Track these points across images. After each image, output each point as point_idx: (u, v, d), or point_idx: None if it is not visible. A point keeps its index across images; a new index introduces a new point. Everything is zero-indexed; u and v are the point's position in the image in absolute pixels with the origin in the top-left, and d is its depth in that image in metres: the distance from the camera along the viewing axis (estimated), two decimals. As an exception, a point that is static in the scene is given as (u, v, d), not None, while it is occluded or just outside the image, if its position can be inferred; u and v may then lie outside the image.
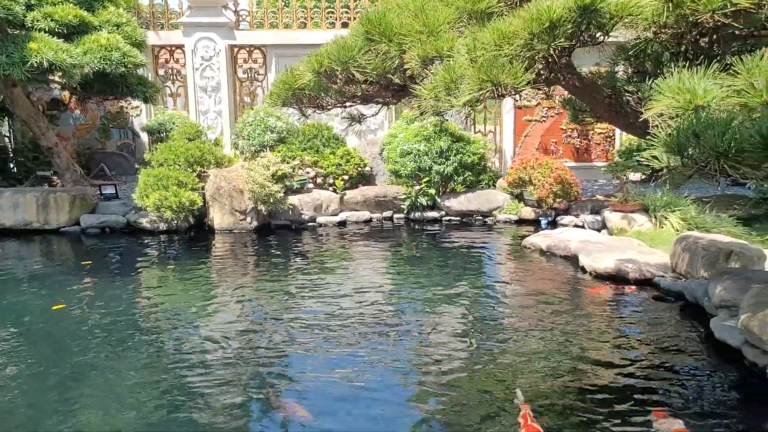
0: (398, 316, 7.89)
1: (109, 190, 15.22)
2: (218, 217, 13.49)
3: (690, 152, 3.55)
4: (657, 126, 3.97)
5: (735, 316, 6.58)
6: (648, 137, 4.01)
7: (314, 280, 9.70)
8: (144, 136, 18.30)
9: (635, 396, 5.57)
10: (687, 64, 4.33)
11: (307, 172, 14.79)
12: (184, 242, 12.81)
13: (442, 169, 14.56)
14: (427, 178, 14.63)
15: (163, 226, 13.17)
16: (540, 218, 14.35)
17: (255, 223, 13.61)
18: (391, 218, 15.01)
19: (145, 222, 13.42)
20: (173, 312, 8.11)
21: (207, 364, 6.32)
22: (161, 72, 18.28)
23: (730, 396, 5.74)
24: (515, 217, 14.65)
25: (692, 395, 5.62)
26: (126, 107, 18.63)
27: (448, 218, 14.93)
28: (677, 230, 11.38)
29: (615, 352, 6.68)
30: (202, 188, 13.58)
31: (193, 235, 13.36)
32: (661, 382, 5.90)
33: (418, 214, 14.90)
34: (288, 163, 14.43)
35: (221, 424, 5.11)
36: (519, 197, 15.00)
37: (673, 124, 3.82)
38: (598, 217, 13.29)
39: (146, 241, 12.84)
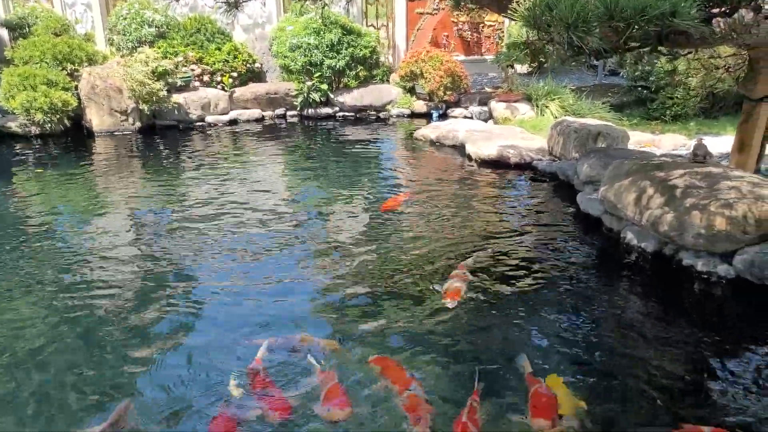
0: (297, 211, 7.94)
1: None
2: (96, 119, 12.67)
3: (545, 24, 3.73)
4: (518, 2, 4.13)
5: (598, 190, 7.21)
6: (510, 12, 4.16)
7: (205, 181, 9.49)
8: (3, 32, 16.45)
9: (519, 261, 6.08)
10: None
11: (192, 69, 14.04)
12: (61, 146, 12.01)
13: (333, 64, 14.29)
14: (318, 73, 14.34)
15: (35, 130, 12.23)
16: (431, 111, 14.61)
17: (138, 124, 12.93)
18: (284, 116, 14.74)
19: (14, 126, 12.37)
20: (55, 221, 7.72)
21: (95, 276, 6.08)
22: (16, -42, 16.24)
23: (590, 255, 6.41)
24: (408, 111, 14.82)
25: (560, 256, 6.21)
26: (-22, 0, 16.55)
27: (342, 114, 14.86)
28: (556, 117, 12.02)
29: (497, 228, 7.17)
30: (76, 88, 12.62)
31: (71, 138, 12.52)
32: (537, 249, 6.46)
33: (311, 111, 14.71)
34: (170, 59, 13.61)
35: (113, 341, 4.91)
36: (411, 91, 15.11)
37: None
38: (486, 108, 13.74)
39: (18, 147, 11.90)
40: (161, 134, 13.12)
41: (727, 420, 3.67)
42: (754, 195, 5.43)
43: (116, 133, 12.76)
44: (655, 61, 11.64)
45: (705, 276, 5.48)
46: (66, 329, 4.87)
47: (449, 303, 5.09)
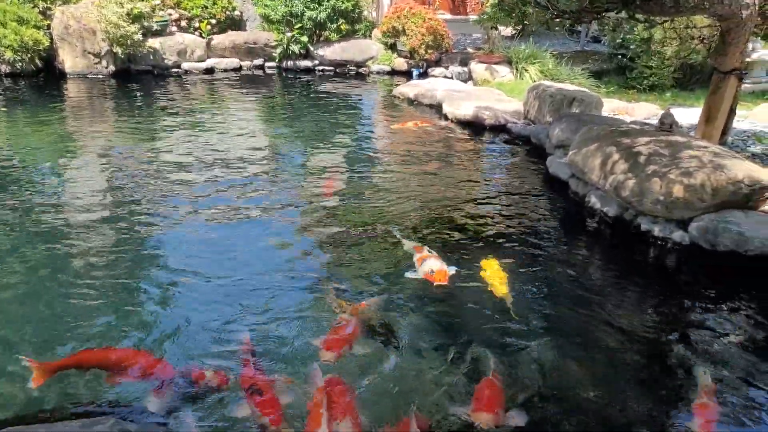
0: (270, 163, 7.94)
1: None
2: (69, 60, 12.39)
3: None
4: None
5: (568, 154, 7.32)
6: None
7: (180, 129, 9.40)
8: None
9: (484, 220, 6.21)
10: None
11: (169, 14, 13.73)
12: (32, 87, 11.76)
13: (314, 15, 14.07)
14: (299, 25, 14.12)
15: (5, 69, 11.93)
16: (412, 69, 14.52)
17: (112, 68, 12.68)
18: (262, 67, 14.54)
19: (-17, 64, 12.06)
20: (23, 162, 7.64)
21: (68, 223, 6.05)
22: None
23: (554, 217, 6.56)
24: (388, 68, 14.72)
25: (525, 218, 6.34)
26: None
27: (321, 68, 14.71)
28: (534, 81, 12.06)
29: (467, 188, 7.28)
30: (48, 27, 12.28)
31: (43, 79, 12.26)
32: (503, 210, 6.59)
33: (290, 63, 14.53)
34: (146, 2, 13.26)
35: (77, 285, 4.93)
36: (393, 48, 14.97)
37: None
38: (466, 69, 13.70)
39: (-13, 85, 11.65)
40: (135, 79, 12.89)
41: (670, 370, 3.88)
42: (714, 165, 5.58)
43: (89, 76, 12.51)
44: (634, 29, 11.67)
45: (661, 241, 5.66)
46: (29, 272, 4.90)
47: (442, 284, 4.69)
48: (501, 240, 5.79)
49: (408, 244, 5.38)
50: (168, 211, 6.19)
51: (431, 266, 4.84)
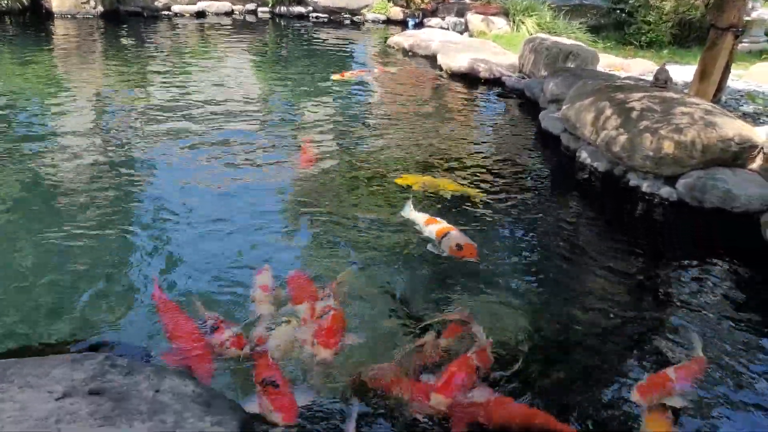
0: (261, 110, 7.86)
1: None
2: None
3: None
4: None
5: (561, 108, 7.30)
6: None
7: (169, 73, 9.25)
8: None
9: (475, 173, 6.22)
10: None
11: (159, -46, 13.31)
12: (19, 26, 11.48)
13: (309, -40, 13.70)
14: (293, -31, 13.77)
15: (-10, 7, 11.62)
16: (408, 19, 14.27)
17: (101, 8, 12.36)
18: (254, 12, 14.23)
19: (-34, 1, 11.72)
20: (11, 104, 7.51)
21: (55, 164, 5.97)
22: None
23: (545, 172, 6.59)
24: (383, 17, 14.45)
25: (516, 172, 6.36)
26: None
27: (315, 15, 14.42)
28: (531, 34, 11.89)
29: (459, 141, 7.27)
30: (34, -36, 11.92)
31: (29, 18, 11.95)
32: (494, 163, 6.60)
33: (283, 9, 14.22)
34: (135, -60, 12.85)
35: (67, 231, 4.96)
36: (389, -5, 14.68)
37: None
38: (462, 20, 13.47)
39: (-29, 24, 11.35)
40: (124, 21, 12.60)
41: (650, 324, 3.98)
42: (705, 122, 5.59)
43: (77, 16, 12.20)
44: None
45: (649, 197, 5.71)
46: (15, 215, 4.89)
47: (473, 260, 4.38)
48: (490, 193, 5.82)
49: (419, 217, 4.91)
50: (155, 155, 6.16)
51: (457, 240, 4.46)
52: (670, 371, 3.30)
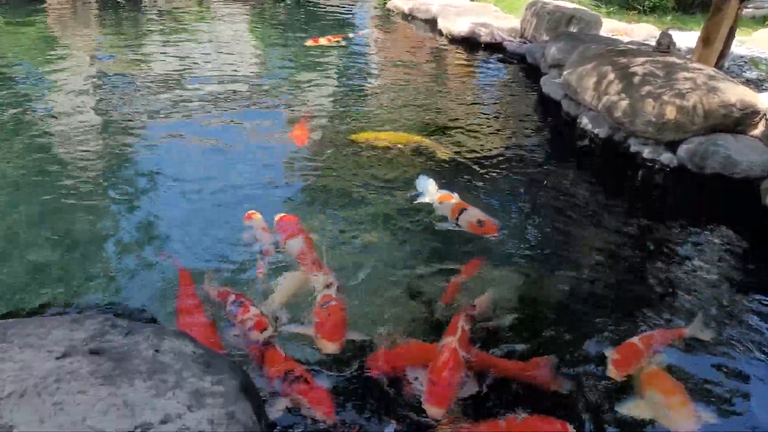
0: (261, 74, 7.76)
1: None
2: (48, -40, 11.78)
3: None
4: None
5: (563, 74, 7.21)
6: None
7: (168, 35, 9.10)
8: None
9: (475, 139, 6.18)
10: None
11: None
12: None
13: None
14: (290, -70, 13.43)
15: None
16: (407, -18, 13.97)
17: (94, -30, 12.10)
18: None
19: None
20: (7, 67, 7.40)
21: (54, 130, 5.92)
22: None
23: (545, 137, 6.56)
24: (383, -20, 14.16)
25: (516, 137, 6.33)
26: None
27: (314, -22, 14.12)
28: (534, -2, 11.68)
29: (459, 106, 7.20)
30: None
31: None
32: (494, 129, 6.55)
33: (281, -28, 13.92)
34: None
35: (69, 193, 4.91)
36: (388, -42, 14.35)
37: None
38: (464, -17, 13.21)
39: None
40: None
41: (649, 288, 4.00)
42: (708, 87, 5.53)
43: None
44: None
45: (649, 163, 5.68)
46: (11, 180, 4.86)
47: (494, 236, 4.29)
48: (489, 158, 5.79)
49: (432, 193, 4.78)
50: (151, 117, 6.11)
51: (477, 216, 4.37)
52: (635, 339, 3.27)
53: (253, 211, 4.25)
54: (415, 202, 4.72)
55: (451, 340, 3.04)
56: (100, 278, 3.58)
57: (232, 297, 3.34)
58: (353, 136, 5.77)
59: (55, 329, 2.49)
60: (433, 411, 2.77)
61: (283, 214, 4.25)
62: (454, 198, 4.62)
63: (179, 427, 2.16)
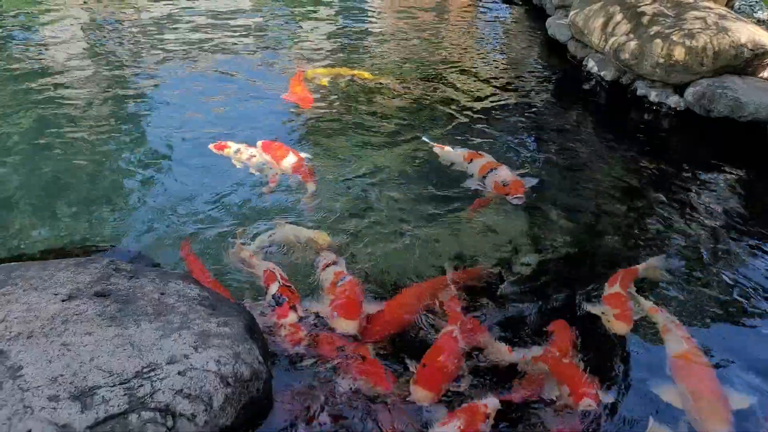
0: (259, 22, 7.55)
1: None
2: None
3: None
4: None
5: (569, 15, 7.01)
6: None
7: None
8: None
9: (481, 80, 6.06)
10: None
11: None
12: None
13: None
14: None
15: None
16: None
17: None
18: None
19: None
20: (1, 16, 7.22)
21: (54, 79, 5.74)
22: None
23: (550, 80, 6.41)
24: None
25: (521, 79, 6.19)
26: None
27: None
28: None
29: (464, 49, 7.04)
30: None
31: None
32: (500, 71, 6.41)
33: None
34: None
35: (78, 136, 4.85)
36: None
37: None
38: None
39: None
40: None
41: (650, 227, 3.99)
42: (719, 27, 5.38)
43: None
44: None
45: (656, 106, 5.59)
46: (14, 128, 4.80)
47: (519, 198, 4.02)
48: (494, 102, 5.69)
49: (454, 152, 4.51)
50: (153, 67, 5.99)
51: (504, 177, 4.10)
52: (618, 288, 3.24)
53: (224, 142, 4.36)
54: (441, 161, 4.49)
55: (452, 328, 2.86)
56: (100, 225, 3.58)
57: (276, 287, 2.99)
58: (308, 73, 5.71)
59: (59, 272, 2.50)
60: (420, 394, 2.56)
61: (264, 140, 4.39)
62: (485, 157, 4.34)
63: (186, 367, 2.19)
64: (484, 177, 4.17)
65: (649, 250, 3.73)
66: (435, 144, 4.63)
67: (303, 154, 4.30)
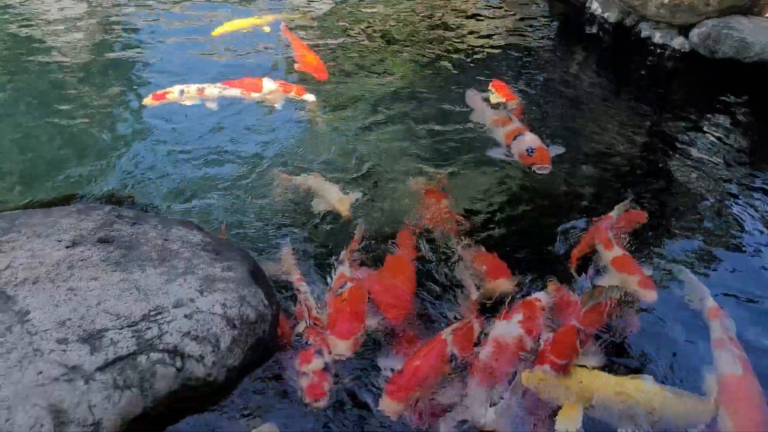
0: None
1: None
2: None
3: None
4: None
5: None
6: None
7: None
8: None
9: (481, 25, 5.94)
10: None
11: None
12: None
13: None
14: None
15: None
16: None
17: None
18: None
19: None
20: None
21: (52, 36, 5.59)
22: None
23: (553, 24, 6.28)
24: None
25: (522, 26, 6.06)
26: None
27: None
28: None
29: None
30: None
31: None
32: (499, 17, 6.26)
33: None
34: None
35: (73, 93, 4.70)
36: None
37: None
38: None
39: None
40: None
41: (654, 168, 3.98)
42: (726, -36, 5.23)
43: None
44: None
45: (660, 48, 5.49)
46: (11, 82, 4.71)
47: (544, 168, 3.72)
48: (495, 47, 5.59)
49: (488, 113, 4.25)
50: (148, 23, 5.85)
51: (529, 144, 3.78)
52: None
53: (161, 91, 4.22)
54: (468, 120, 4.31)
55: (445, 335, 2.54)
56: (101, 173, 3.56)
57: (303, 327, 2.61)
58: (215, 32, 5.46)
59: (62, 219, 2.50)
60: (386, 404, 2.32)
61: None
62: (514, 122, 4.01)
63: (192, 310, 2.21)
64: (509, 146, 3.87)
65: (653, 189, 3.73)
66: (474, 92, 4.46)
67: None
